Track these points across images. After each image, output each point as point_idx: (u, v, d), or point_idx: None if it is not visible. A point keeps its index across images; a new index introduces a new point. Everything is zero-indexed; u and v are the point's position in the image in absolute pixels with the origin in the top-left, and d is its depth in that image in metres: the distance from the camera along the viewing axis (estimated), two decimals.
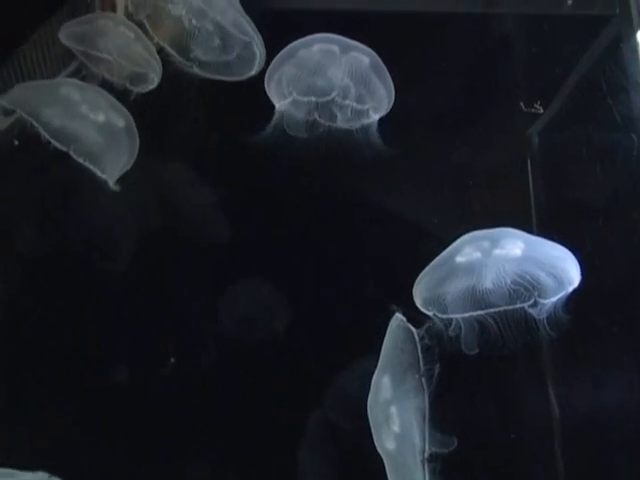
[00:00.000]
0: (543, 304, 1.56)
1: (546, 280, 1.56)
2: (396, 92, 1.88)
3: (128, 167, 1.81)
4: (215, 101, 1.94)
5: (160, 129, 1.93)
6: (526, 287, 1.55)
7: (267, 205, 1.93)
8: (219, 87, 1.88)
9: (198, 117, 1.93)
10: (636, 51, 1.89)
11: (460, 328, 1.59)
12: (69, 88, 1.79)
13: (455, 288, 1.59)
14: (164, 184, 1.94)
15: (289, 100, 1.71)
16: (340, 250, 1.91)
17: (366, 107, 1.73)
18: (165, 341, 1.86)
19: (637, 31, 1.91)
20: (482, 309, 1.56)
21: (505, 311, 1.57)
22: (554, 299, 1.57)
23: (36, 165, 1.87)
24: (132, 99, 1.86)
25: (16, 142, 1.84)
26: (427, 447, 1.55)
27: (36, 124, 1.73)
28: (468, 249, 1.61)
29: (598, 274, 1.81)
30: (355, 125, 1.77)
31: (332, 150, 1.95)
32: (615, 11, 1.95)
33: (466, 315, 1.58)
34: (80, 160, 1.74)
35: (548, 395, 1.85)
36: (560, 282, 1.57)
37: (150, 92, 1.88)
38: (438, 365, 1.56)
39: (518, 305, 1.56)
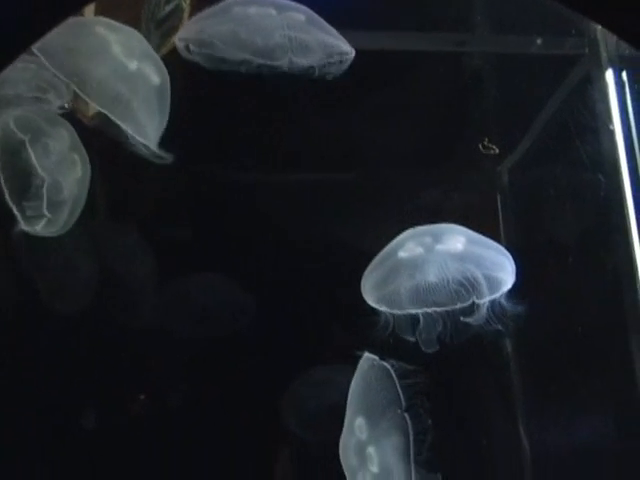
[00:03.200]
0: (480, 305, 1.56)
1: (482, 280, 1.56)
2: (368, 129, 1.90)
3: None
4: None
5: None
6: (466, 287, 1.54)
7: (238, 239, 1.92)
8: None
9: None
10: (604, 92, 1.91)
11: (418, 324, 1.59)
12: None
13: (400, 285, 1.58)
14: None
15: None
16: (304, 274, 1.90)
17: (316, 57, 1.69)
18: (134, 380, 1.85)
19: (605, 71, 1.93)
20: (428, 306, 1.56)
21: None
22: (488, 300, 1.56)
23: None
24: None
25: None
26: None
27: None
28: (410, 244, 1.61)
29: (567, 311, 1.84)
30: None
31: (305, 185, 1.95)
32: (584, 51, 1.97)
33: (417, 311, 1.57)
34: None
35: (519, 432, 1.87)
36: (493, 284, 1.57)
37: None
38: (422, 398, 1.56)
39: (459, 305, 1.55)
